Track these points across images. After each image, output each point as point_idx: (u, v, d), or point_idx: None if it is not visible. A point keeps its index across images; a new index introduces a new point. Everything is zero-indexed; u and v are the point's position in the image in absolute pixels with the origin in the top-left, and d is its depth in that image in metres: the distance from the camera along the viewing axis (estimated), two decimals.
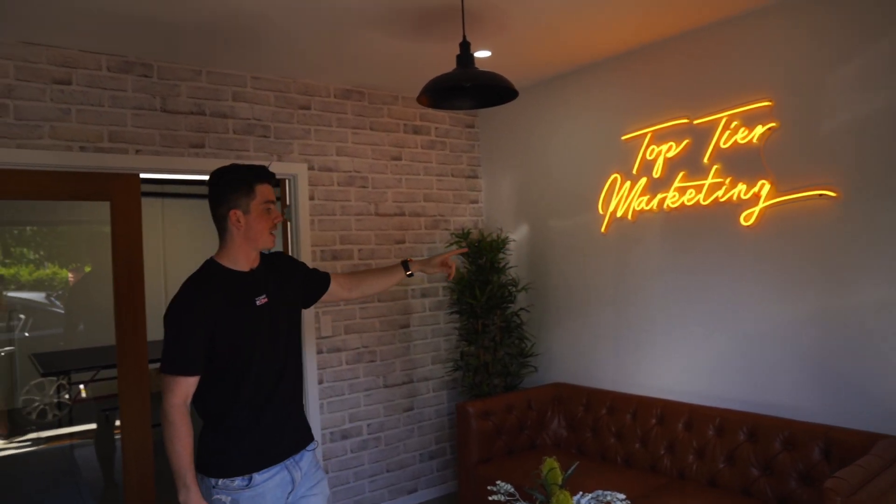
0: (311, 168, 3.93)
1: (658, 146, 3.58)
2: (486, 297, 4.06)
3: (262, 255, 2.23)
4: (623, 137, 3.77)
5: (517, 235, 4.46)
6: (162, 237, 8.66)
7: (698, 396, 3.42)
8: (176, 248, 8.75)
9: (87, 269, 7.24)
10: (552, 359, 4.24)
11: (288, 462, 2.16)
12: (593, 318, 3.97)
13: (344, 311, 4.02)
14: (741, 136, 3.22)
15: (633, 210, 3.72)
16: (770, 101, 3.11)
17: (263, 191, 2.12)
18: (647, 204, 3.65)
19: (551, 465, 2.39)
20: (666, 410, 3.41)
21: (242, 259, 2.13)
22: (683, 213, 3.49)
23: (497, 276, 4.15)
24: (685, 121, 3.47)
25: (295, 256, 3.88)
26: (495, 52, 3.60)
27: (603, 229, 3.88)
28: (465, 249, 3.47)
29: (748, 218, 3.20)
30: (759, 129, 3.15)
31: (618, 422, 3.60)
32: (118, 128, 3.34)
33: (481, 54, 3.60)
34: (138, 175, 3.49)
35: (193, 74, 3.57)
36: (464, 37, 2.69)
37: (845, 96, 2.87)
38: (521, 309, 4.28)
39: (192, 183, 8.06)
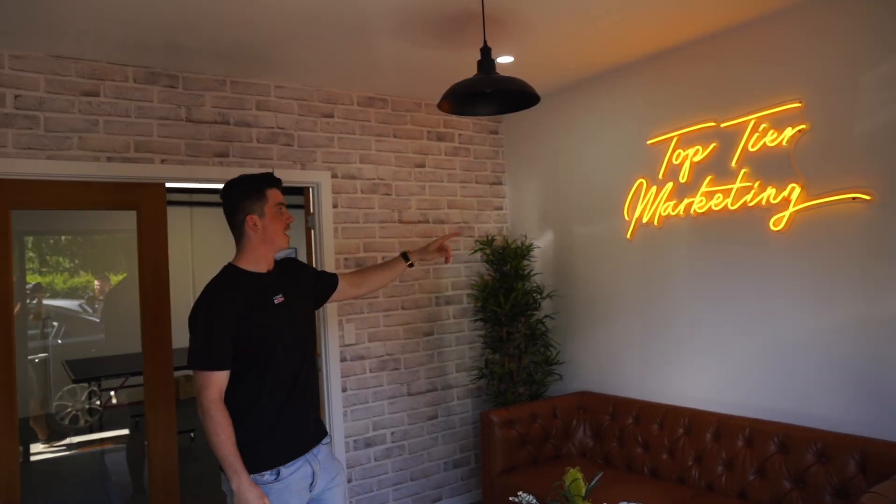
0: (334, 176, 3.94)
1: (684, 150, 3.52)
2: (511, 305, 4.02)
3: (275, 260, 2.37)
4: (648, 142, 3.71)
5: (542, 242, 4.42)
6: (190, 245, 8.78)
7: (727, 406, 3.33)
8: (204, 255, 8.86)
9: (114, 277, 7.36)
10: (578, 367, 4.18)
11: (308, 455, 2.28)
12: (619, 325, 3.90)
13: (368, 319, 4.02)
14: (770, 139, 3.14)
15: (660, 216, 3.65)
16: (800, 102, 3.04)
17: (273, 194, 2.31)
18: (673, 209, 3.58)
19: (574, 476, 2.35)
20: (694, 420, 3.33)
21: (261, 261, 2.29)
22: (711, 219, 3.42)
23: (521, 284, 4.11)
24: (712, 124, 3.40)
25: (318, 264, 3.89)
26: (518, 58, 3.58)
27: (629, 235, 3.82)
28: (459, 233, 3.48)
29: (778, 223, 3.12)
30: (789, 132, 3.07)
31: (644, 431, 3.53)
32: (144, 138, 3.38)
33: (504, 60, 3.58)
34: (164, 184, 3.53)
35: (217, 84, 3.61)
36: (484, 42, 2.66)
37: (879, 96, 2.79)
38: (546, 316, 4.23)
39: (218, 192, 8.18)
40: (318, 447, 2.32)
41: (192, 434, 6.48)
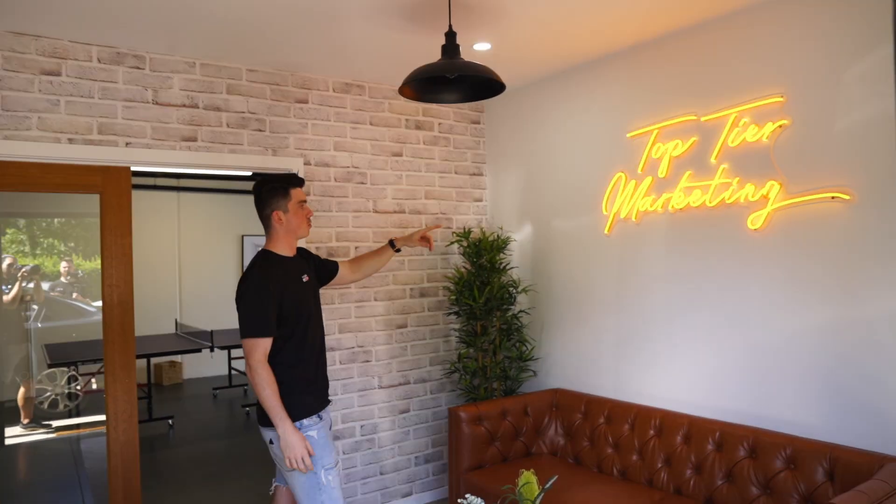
0: (307, 163, 3.85)
1: (664, 144, 3.42)
2: (486, 299, 3.93)
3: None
4: (629, 135, 3.60)
5: (521, 235, 4.32)
6: (177, 229, 8.72)
7: (699, 408, 3.25)
8: (191, 239, 8.81)
9: (89, 262, 7.26)
10: (553, 363, 4.10)
11: (328, 406, 2.77)
12: (595, 322, 3.82)
13: (339, 310, 3.93)
14: (750, 135, 3.04)
15: (638, 211, 3.56)
16: (781, 96, 2.93)
17: (297, 193, 2.70)
18: (651, 205, 3.48)
19: (527, 480, 2.27)
20: (665, 421, 3.25)
21: (287, 248, 2.70)
22: (689, 215, 3.32)
23: (497, 277, 4.02)
24: (693, 117, 3.29)
25: None
26: (496, 45, 3.47)
27: (606, 230, 3.72)
28: (440, 225, 3.91)
29: (755, 221, 3.02)
30: (770, 127, 2.97)
31: (615, 432, 3.45)
32: (108, 120, 3.29)
33: (480, 47, 3.48)
34: (129, 168, 3.44)
35: (187, 66, 3.51)
36: (449, 26, 2.58)
37: (862, 92, 2.68)
38: (522, 311, 4.15)
39: (207, 177, 8.11)
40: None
41: (170, 421, 6.43)
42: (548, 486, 2.26)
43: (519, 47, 3.53)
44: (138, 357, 5.97)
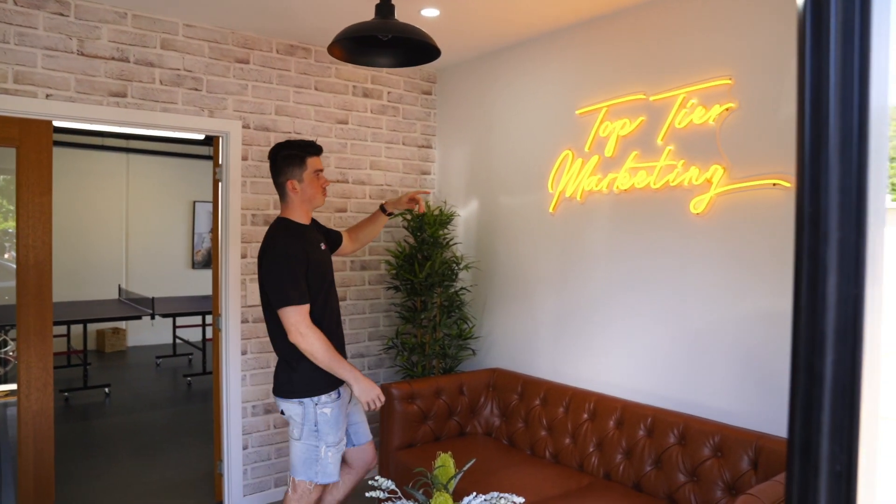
0: (245, 126, 3.67)
1: (612, 122, 3.33)
2: (427, 274, 3.83)
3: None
4: (578, 112, 3.51)
5: (467, 210, 4.22)
6: (126, 192, 8.42)
7: (634, 392, 3.21)
8: (139, 203, 8.52)
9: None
10: (493, 342, 4.02)
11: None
12: (536, 302, 3.75)
13: None
14: (697, 116, 2.97)
15: (583, 190, 3.48)
16: (730, 79, 2.86)
17: (313, 162, 2.64)
18: (597, 185, 3.41)
19: (443, 462, 2.19)
20: (599, 405, 3.20)
21: (304, 216, 2.68)
22: (633, 197, 3.25)
23: (440, 252, 3.92)
24: (641, 96, 3.21)
25: (224, 219, 3.65)
26: (445, 12, 3.33)
27: (551, 209, 3.64)
28: (428, 192, 3.82)
29: (698, 206, 2.96)
30: (717, 110, 2.90)
31: (550, 414, 3.40)
32: (26, 68, 3.07)
33: (429, 13, 3.33)
34: (50, 122, 3.24)
35: (117, 17, 3.30)
36: None
37: None
38: (463, 288, 4.06)
39: (159, 140, 7.82)
40: None
41: (106, 389, 6.24)
42: (461, 472, 2.19)
43: (469, 15, 3.39)
44: (74, 322, 5.80)
